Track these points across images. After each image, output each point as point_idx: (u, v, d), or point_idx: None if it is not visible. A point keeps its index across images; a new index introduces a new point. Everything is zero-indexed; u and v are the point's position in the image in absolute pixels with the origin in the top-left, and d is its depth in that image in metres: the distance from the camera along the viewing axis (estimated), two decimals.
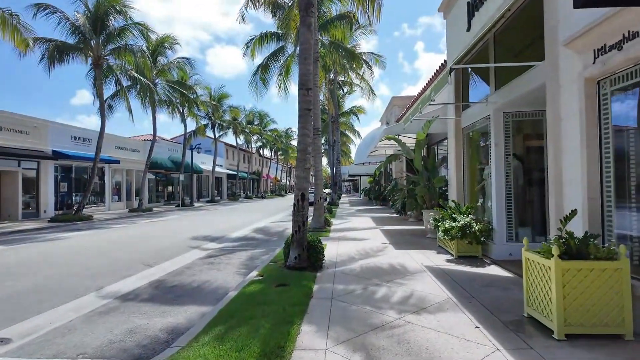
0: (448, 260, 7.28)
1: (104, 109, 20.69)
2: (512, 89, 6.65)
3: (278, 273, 6.34)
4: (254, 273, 6.68)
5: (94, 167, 20.13)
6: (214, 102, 35.16)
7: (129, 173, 29.19)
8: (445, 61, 10.29)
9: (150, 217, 22.37)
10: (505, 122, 7.20)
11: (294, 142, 71.12)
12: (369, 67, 21.04)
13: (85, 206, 24.08)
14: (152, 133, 27.23)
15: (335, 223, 14.83)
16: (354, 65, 21.33)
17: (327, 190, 42.72)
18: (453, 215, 7.67)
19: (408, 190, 11.28)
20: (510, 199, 7.18)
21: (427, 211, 10.19)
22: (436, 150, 13.33)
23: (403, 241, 9.82)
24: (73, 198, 22.90)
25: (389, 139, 11.45)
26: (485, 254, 7.48)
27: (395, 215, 17.16)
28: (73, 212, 19.38)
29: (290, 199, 46.91)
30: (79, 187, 24.00)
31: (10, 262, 8.92)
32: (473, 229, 7.06)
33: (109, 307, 5.30)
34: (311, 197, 13.01)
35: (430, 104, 10.09)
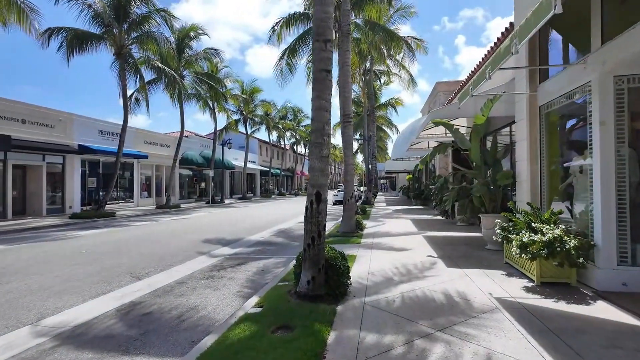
0: (527, 289, 5.13)
1: (127, 101, 19.87)
2: (634, 39, 4.40)
3: (283, 303, 4.52)
4: (254, 300, 4.90)
5: (116, 162, 19.37)
6: (245, 96, 34.05)
7: (159, 169, 28.65)
8: (511, 23, 7.99)
9: (177, 214, 21.43)
10: (617, 92, 4.93)
11: (333, 140, 69.49)
12: (410, 49, 18.71)
13: (114, 202, 23.72)
14: (192, 130, 26.41)
15: (369, 226, 12.82)
16: (392, 50, 19.13)
17: (361, 188, 40.46)
18: (532, 225, 5.50)
19: (460, 189, 9.04)
20: (624, 204, 4.91)
21: (487, 216, 7.96)
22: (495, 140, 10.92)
23: (456, 254, 7.68)
24: (100, 194, 22.40)
25: (437, 124, 9.27)
26: (582, 281, 5.25)
27: (439, 217, 14.86)
28: (96, 209, 18.69)
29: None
30: (108, 183, 23.56)
31: None
32: (566, 246, 4.87)
33: (29, 356, 3.71)
34: (340, 196, 11.09)
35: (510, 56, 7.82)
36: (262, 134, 43.68)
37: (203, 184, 35.65)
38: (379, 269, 6.45)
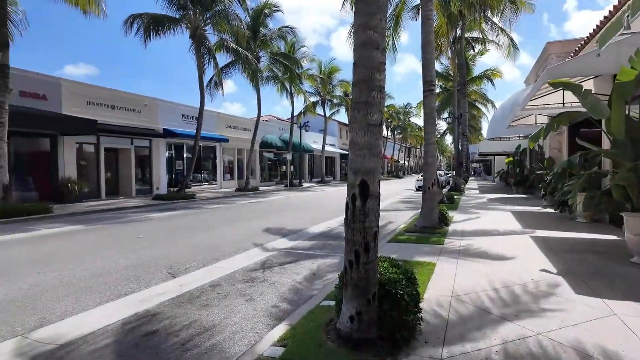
0: None
1: (203, 85, 19.95)
2: None
3: (312, 348, 3.04)
4: (278, 332, 3.53)
5: (195, 146, 19.70)
6: (322, 76, 32.80)
7: (240, 152, 29.12)
8: None
9: (254, 196, 21.32)
10: None
11: (414, 120, 65.30)
12: (514, 6, 15.34)
13: (198, 184, 24.64)
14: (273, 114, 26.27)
15: (457, 219, 10.62)
16: (489, 11, 15.98)
17: (449, 173, 37.08)
18: None
19: (591, 177, 6.42)
20: None
21: (634, 216, 5.45)
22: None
23: (585, 269, 5.39)
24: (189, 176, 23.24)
25: (557, 85, 6.73)
26: None
27: (550, 210, 11.93)
28: (177, 191, 19.31)
29: (408, 181, 42.55)
30: (197, 166, 24.48)
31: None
32: None
33: None
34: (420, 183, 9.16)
35: None
36: (342, 115, 42.18)
37: (284, 167, 35.71)
38: (469, 290, 4.58)
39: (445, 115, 33.61)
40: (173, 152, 23.30)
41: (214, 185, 26.37)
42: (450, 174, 33.22)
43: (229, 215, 13.50)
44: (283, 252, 7.48)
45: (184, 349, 3.45)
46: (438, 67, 27.09)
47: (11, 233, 9.34)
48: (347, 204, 2.98)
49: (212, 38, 20.61)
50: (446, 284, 4.85)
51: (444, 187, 25.04)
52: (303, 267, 6.33)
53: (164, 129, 21.11)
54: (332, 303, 3.88)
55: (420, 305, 3.42)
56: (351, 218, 2.92)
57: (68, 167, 16.42)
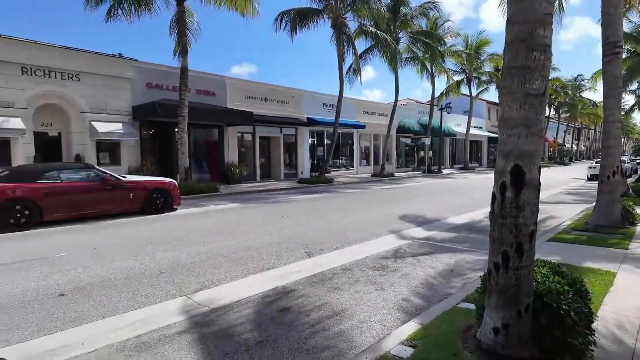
0: None
1: (343, 73, 20.39)
2: None
3: (449, 356, 2.67)
4: (408, 329, 3.26)
5: (334, 133, 20.44)
6: (468, 52, 29.84)
7: (377, 137, 29.07)
8: None
9: (389, 183, 21.10)
10: None
11: (587, 95, 53.99)
12: None
13: (336, 169, 25.68)
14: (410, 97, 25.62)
15: None
16: None
17: (632, 160, 30.07)
18: None
19: None
20: None
21: None
22: None
23: None
24: (328, 162, 24.46)
25: None
26: None
27: None
28: (317, 175, 20.47)
29: (577, 169, 35.80)
30: (335, 152, 25.61)
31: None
32: None
33: (150, 339, 3.38)
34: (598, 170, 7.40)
35: None
36: (491, 94, 37.77)
37: (422, 153, 34.22)
38: None
39: (634, 86, 26.69)
40: (315, 139, 24.74)
41: (351, 171, 27.06)
42: (638, 160, 26.46)
43: (365, 200, 13.60)
44: (417, 242, 7.07)
45: (313, 331, 3.52)
46: (625, 26, 21.49)
47: (189, 207, 11.35)
48: (493, 194, 2.48)
49: (352, 25, 20.86)
50: (631, 302, 3.75)
51: (629, 177, 20.11)
52: (439, 260, 5.83)
53: (307, 117, 22.54)
54: (472, 307, 3.40)
55: (593, 325, 2.67)
56: (499, 212, 2.41)
57: (231, 154, 19.11)
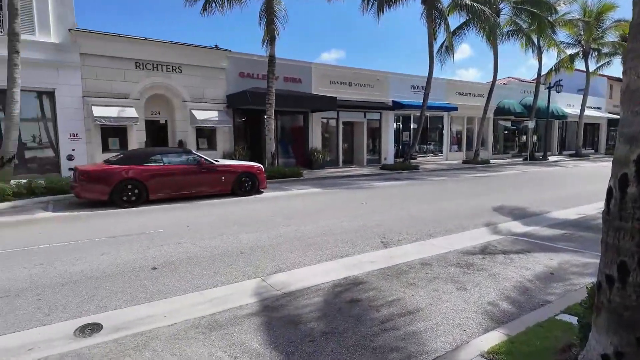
0: None
1: (433, 52, 19.07)
2: None
3: None
4: (490, 339, 2.84)
5: (421, 116, 19.39)
6: (587, 19, 25.59)
7: (470, 121, 26.87)
8: None
9: (483, 170, 19.43)
10: None
11: None
12: None
13: (423, 155, 24.50)
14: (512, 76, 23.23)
15: None
16: None
17: None
18: None
19: None
20: None
21: None
22: None
23: None
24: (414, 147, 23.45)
25: None
26: None
27: None
28: (401, 161, 19.72)
29: None
30: (423, 137, 24.43)
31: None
32: None
33: (224, 319, 3.49)
34: None
35: None
36: (614, 69, 31.93)
37: (524, 137, 30.74)
38: None
39: None
40: (400, 123, 23.80)
41: (440, 157, 25.53)
42: None
43: (452, 188, 12.67)
44: (511, 238, 6.29)
45: (382, 328, 3.30)
46: None
47: (274, 191, 11.80)
48: (609, 189, 1.94)
49: (444, 0, 19.31)
50: None
51: None
52: (537, 261, 5.09)
53: (392, 101, 21.74)
54: (575, 320, 2.83)
55: None
56: (616, 212, 1.88)
57: (315, 139, 19.39)
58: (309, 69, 18.98)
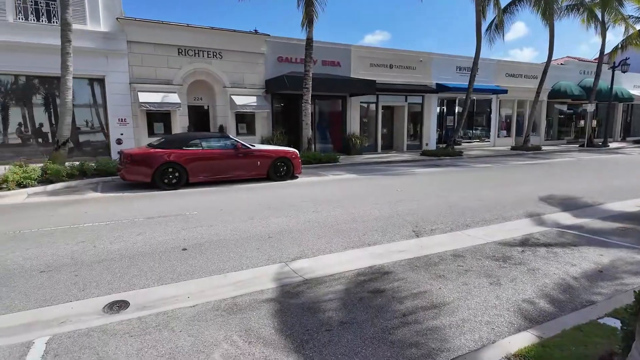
0: None
1: (481, 30, 17.90)
2: None
3: None
4: (523, 340, 2.61)
5: (466, 99, 18.41)
6: None
7: (522, 104, 25.17)
8: None
9: (533, 157, 18.21)
10: None
11: None
12: None
13: (468, 141, 23.42)
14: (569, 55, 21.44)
15: None
16: None
17: None
18: None
19: None
20: None
21: None
22: None
23: None
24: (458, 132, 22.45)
25: None
26: None
27: None
28: (444, 147, 18.94)
29: None
30: (469, 121, 23.27)
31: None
32: None
33: (241, 302, 3.49)
34: None
35: None
36: None
37: (582, 122, 28.37)
38: None
39: None
40: (444, 107, 22.78)
41: (486, 143, 24.24)
42: None
43: (496, 176, 11.97)
44: (557, 230, 5.82)
45: (403, 321, 3.15)
46: None
47: (309, 176, 11.78)
48: None
49: None
50: None
51: None
52: (584, 257, 4.66)
53: (436, 83, 20.82)
54: (619, 329, 2.52)
55: None
56: None
57: (353, 124, 19.08)
58: (348, 52, 18.56)
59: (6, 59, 11.96)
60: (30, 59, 12.12)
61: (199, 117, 16.28)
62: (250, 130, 16.62)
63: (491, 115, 24.12)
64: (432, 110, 21.55)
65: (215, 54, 15.45)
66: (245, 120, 16.55)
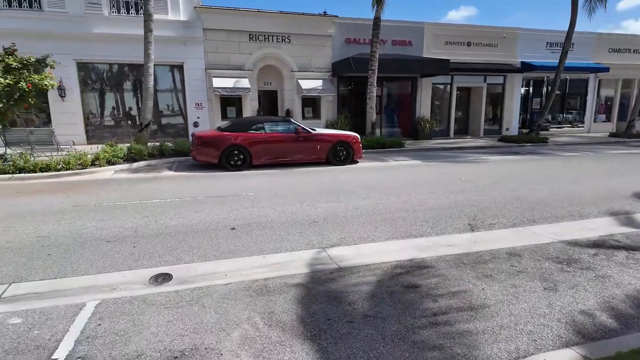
0: None
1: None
2: None
3: None
4: (565, 358, 2.27)
5: (555, 79, 16.37)
6: None
7: (628, 84, 21.71)
8: None
9: (634, 146, 15.76)
10: None
11: None
12: None
13: (557, 126, 21.03)
14: None
15: None
16: None
17: None
18: None
19: None
20: None
21: None
22: None
23: None
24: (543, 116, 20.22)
25: None
26: None
27: None
28: (526, 133, 17.18)
29: None
30: (561, 104, 20.86)
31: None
32: None
33: (263, 286, 3.55)
34: None
35: None
36: None
37: None
38: None
39: None
40: (531, 88, 20.56)
41: (579, 128, 21.46)
42: None
43: (584, 166, 10.56)
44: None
45: (432, 321, 2.95)
46: None
47: (370, 161, 11.55)
48: None
49: None
50: None
51: None
52: None
53: (521, 62, 18.82)
54: None
55: None
56: None
57: (423, 107, 18.16)
58: (421, 30, 17.54)
59: (102, 49, 13.46)
60: (121, 48, 13.48)
61: (269, 101, 16.79)
62: (316, 114, 16.73)
63: (587, 97, 21.23)
64: (515, 91, 19.60)
65: (284, 38, 15.68)
66: (311, 104, 16.68)
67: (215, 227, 5.23)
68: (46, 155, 9.98)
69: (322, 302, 3.25)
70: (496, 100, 19.87)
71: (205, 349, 2.60)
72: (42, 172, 9.02)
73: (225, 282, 3.62)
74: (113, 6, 13.68)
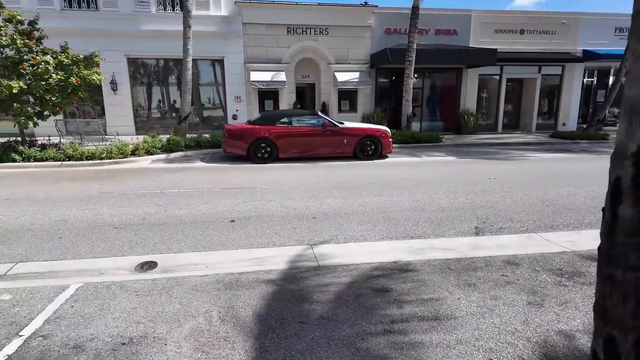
0: None
1: None
2: None
3: None
4: None
5: (620, 68, 14.63)
6: None
7: None
8: None
9: None
10: None
11: None
12: None
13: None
14: None
15: None
16: None
17: None
18: None
19: None
20: None
21: None
22: None
23: None
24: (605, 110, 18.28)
25: None
26: None
27: None
28: (583, 129, 15.64)
29: None
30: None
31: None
32: None
33: (251, 279, 3.60)
34: None
35: None
36: None
37: None
38: None
39: None
40: (595, 78, 18.65)
41: None
42: None
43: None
44: None
45: (387, 328, 2.83)
46: None
47: (400, 156, 11.23)
48: (603, 209, 1.03)
49: None
50: None
51: None
52: None
53: (583, 50, 17.10)
54: None
55: None
56: (605, 247, 1.00)
57: (468, 100, 17.20)
58: (468, 18, 16.56)
59: (150, 45, 14.32)
60: (167, 44, 14.24)
61: (306, 95, 16.89)
62: (352, 107, 16.54)
63: None
64: (575, 83, 17.89)
65: (321, 30, 15.62)
66: (347, 97, 16.50)
67: (216, 218, 5.40)
68: (94, 145, 10.92)
69: (285, 300, 3.24)
70: (552, 93, 18.29)
71: (154, 338, 2.72)
72: (88, 160, 9.88)
73: (202, 273, 3.74)
74: (160, 4, 14.47)
